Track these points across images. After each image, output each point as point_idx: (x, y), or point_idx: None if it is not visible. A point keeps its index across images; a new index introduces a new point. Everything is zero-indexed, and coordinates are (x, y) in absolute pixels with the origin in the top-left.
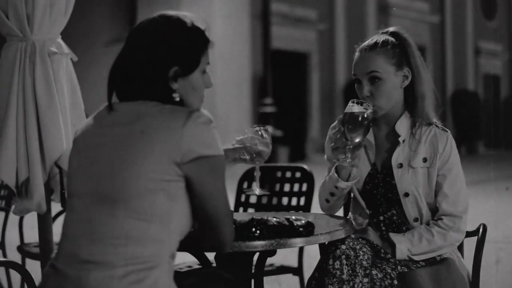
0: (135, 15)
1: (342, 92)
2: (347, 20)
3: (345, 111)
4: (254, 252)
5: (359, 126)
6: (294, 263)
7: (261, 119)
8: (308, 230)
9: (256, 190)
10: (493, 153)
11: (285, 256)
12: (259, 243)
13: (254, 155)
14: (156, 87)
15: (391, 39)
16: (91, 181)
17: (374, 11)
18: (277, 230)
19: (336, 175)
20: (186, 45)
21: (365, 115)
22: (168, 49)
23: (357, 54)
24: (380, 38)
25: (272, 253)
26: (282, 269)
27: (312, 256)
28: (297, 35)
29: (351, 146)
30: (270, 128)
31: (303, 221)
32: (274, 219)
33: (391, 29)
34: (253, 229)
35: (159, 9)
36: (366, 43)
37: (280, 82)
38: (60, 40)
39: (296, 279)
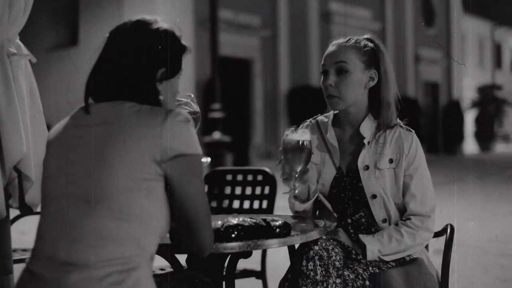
0: (77, 21)
1: (286, 98)
2: (290, 27)
3: (282, 141)
4: (228, 254)
5: (299, 154)
6: (257, 266)
7: (209, 124)
8: (285, 230)
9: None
10: (434, 158)
11: (248, 259)
12: (236, 244)
13: None
14: (142, 88)
15: (366, 41)
16: (69, 182)
17: (317, 19)
18: (254, 231)
19: (292, 201)
20: (172, 48)
21: (302, 142)
22: (157, 51)
23: (329, 47)
24: (355, 37)
25: (248, 254)
26: (246, 273)
27: (273, 260)
28: (241, 41)
29: (296, 175)
30: (217, 134)
31: (280, 222)
32: (251, 219)
33: (366, 36)
34: (230, 230)
35: (101, 15)
36: (341, 39)
37: (224, 89)
38: (18, 41)
39: (259, 282)
